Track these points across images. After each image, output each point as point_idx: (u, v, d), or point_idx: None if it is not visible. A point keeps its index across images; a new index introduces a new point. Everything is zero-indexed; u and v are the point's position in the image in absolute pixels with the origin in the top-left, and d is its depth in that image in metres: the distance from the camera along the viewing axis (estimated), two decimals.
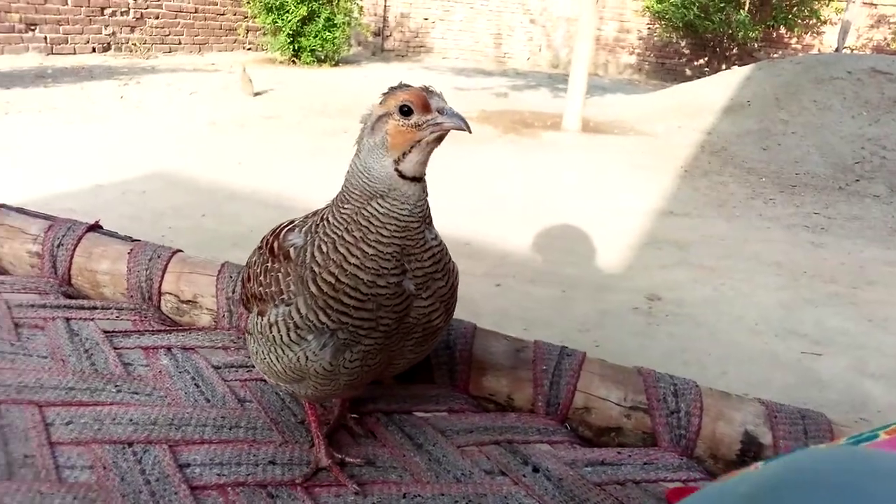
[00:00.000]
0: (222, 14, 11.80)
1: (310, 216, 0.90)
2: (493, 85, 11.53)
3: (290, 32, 10.96)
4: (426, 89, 0.84)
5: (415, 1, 14.80)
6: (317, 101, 8.49)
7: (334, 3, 11.37)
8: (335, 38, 11.32)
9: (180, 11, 11.06)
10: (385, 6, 14.41)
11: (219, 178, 5.16)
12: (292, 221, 0.93)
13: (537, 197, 5.45)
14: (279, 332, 0.81)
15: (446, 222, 4.80)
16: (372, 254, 0.77)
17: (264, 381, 1.06)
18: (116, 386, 1.01)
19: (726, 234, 4.87)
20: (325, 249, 0.79)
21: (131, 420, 0.93)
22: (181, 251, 1.30)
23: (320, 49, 11.32)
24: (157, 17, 10.72)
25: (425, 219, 0.82)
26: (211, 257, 3.72)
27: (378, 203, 0.79)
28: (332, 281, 0.78)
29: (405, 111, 0.81)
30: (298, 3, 10.82)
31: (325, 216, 0.84)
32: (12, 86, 7.17)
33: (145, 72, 8.93)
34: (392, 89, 0.85)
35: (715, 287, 3.96)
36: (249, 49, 12.09)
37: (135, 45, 10.34)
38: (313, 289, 0.78)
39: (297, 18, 10.82)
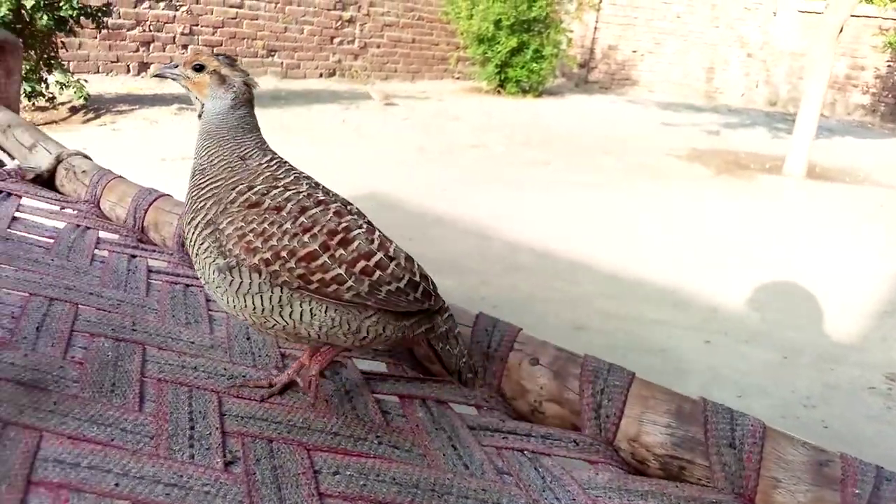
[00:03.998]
0: (436, 44, 12.38)
1: None
2: (703, 121, 10.94)
3: (499, 63, 11.22)
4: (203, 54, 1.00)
5: (624, 33, 14.54)
6: (520, 131, 8.56)
7: (544, 36, 11.48)
8: (541, 69, 11.41)
9: (399, 41, 11.76)
10: (593, 38, 14.31)
11: (425, 203, 5.33)
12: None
13: (753, 247, 5.01)
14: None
15: (648, 265, 4.50)
16: None
17: (522, 451, 0.99)
18: (378, 437, 0.98)
19: None
20: None
21: (394, 479, 0.90)
22: None
23: (526, 80, 11.47)
24: (378, 47, 11.49)
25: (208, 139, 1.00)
26: None
27: None
28: None
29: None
30: (510, 35, 11.06)
31: None
32: None
33: (363, 97, 9.57)
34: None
35: None
36: (458, 78, 12.56)
37: (356, 71, 11.15)
38: None
39: (507, 50, 11.05)
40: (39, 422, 0.92)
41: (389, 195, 5.41)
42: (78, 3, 6.31)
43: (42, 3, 6.12)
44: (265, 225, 0.91)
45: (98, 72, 8.43)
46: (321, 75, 10.75)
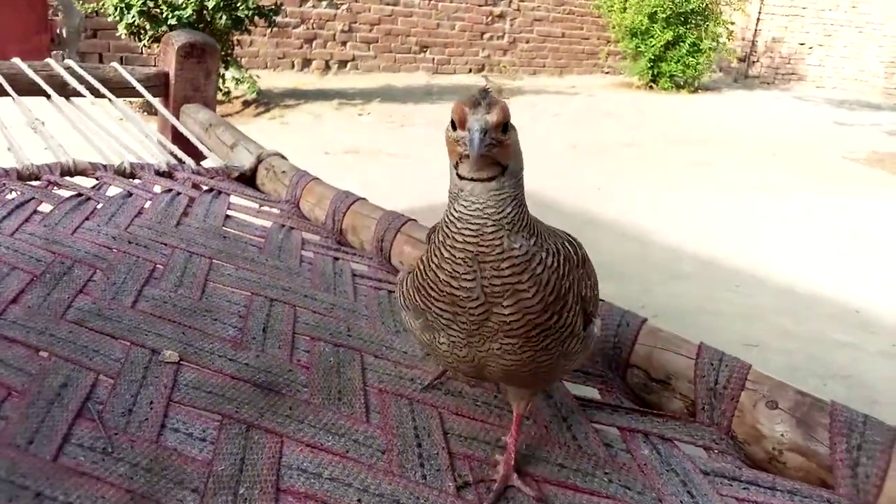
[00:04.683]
0: (586, 38, 12.10)
1: None
2: (882, 121, 9.91)
3: (652, 57, 10.77)
4: (472, 102, 0.76)
5: (791, 24, 13.49)
6: (676, 129, 8.17)
7: (702, 28, 10.88)
8: (698, 63, 10.82)
9: (549, 36, 11.60)
10: (756, 30, 13.38)
11: (579, 202, 5.20)
12: None
13: None
14: (398, 294, 0.92)
15: (827, 279, 4.13)
16: (447, 257, 0.78)
17: None
18: (606, 474, 0.93)
19: None
20: (431, 239, 0.85)
21: None
22: (647, 320, 1.21)
23: (680, 75, 10.93)
24: (528, 42, 11.40)
25: (506, 224, 0.76)
26: None
27: (455, 205, 0.78)
28: (422, 268, 0.83)
29: (453, 124, 0.77)
30: (665, 28, 10.58)
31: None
32: (407, 101, 8.20)
33: (513, 93, 9.51)
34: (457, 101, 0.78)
35: None
36: (607, 73, 12.20)
37: (505, 67, 11.13)
38: (415, 269, 0.86)
39: (661, 43, 10.58)
40: (279, 426, 0.95)
41: (545, 194, 5.33)
42: (253, 3, 6.73)
43: (222, 4, 6.57)
44: (588, 279, 0.90)
45: (266, 67, 8.96)
46: (470, 71, 10.82)
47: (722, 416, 1.04)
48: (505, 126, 0.76)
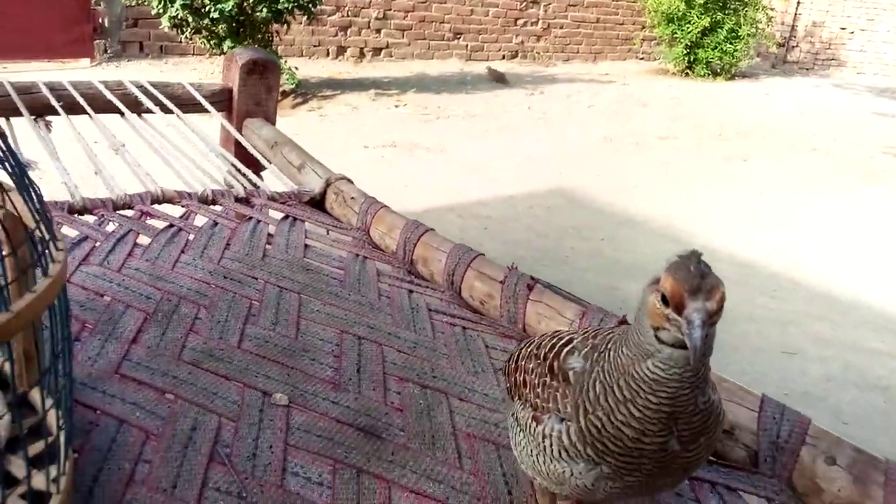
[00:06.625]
0: (621, 24, 11.99)
1: (589, 336, 0.90)
2: None
3: (689, 44, 10.67)
4: (692, 288, 0.71)
5: (832, 8, 13.22)
6: (712, 120, 8.13)
7: (741, 14, 10.73)
8: (736, 50, 10.70)
9: (583, 22, 11.53)
10: (795, 14, 13.14)
11: (615, 200, 5.26)
12: (571, 340, 0.91)
13: None
14: (551, 446, 0.87)
15: (865, 284, 4.08)
16: (638, 416, 0.78)
17: None
18: None
19: None
20: (597, 391, 0.82)
21: None
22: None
23: (717, 61, 10.82)
24: (562, 28, 11.34)
25: (700, 383, 0.77)
26: (608, 284, 3.80)
27: (650, 363, 0.76)
28: (599, 426, 0.81)
29: (664, 299, 0.74)
30: (702, 14, 10.46)
31: (608, 346, 0.83)
32: (441, 90, 8.25)
33: (546, 81, 9.51)
34: (669, 270, 0.74)
35: None
36: (642, 59, 12.11)
37: (538, 53, 11.10)
38: (583, 423, 0.82)
39: (699, 29, 10.47)
40: (385, 472, 1.07)
41: (578, 191, 5.40)
42: None
43: None
44: None
45: (302, 55, 9.07)
46: (503, 57, 10.82)
47: (783, 469, 1.14)
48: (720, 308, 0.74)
